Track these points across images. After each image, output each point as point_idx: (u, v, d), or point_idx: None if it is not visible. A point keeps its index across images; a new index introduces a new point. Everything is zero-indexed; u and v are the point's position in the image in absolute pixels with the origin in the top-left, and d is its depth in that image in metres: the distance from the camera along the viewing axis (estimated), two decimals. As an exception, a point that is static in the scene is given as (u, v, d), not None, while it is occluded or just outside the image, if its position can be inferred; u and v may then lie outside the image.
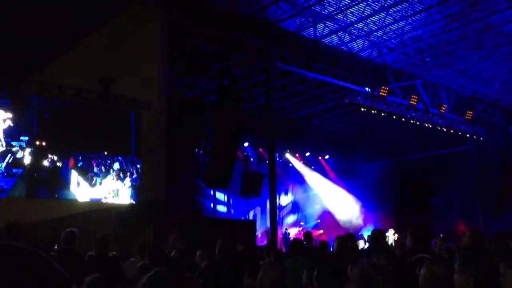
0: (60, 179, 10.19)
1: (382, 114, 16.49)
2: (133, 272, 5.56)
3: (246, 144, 19.45)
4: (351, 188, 22.88)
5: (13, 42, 8.95)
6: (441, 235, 17.44)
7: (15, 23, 8.95)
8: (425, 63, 15.45)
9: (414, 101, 15.89)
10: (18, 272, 0.73)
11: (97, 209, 10.26)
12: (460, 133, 18.86)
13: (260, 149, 19.60)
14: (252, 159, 19.93)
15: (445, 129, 18.31)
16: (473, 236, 4.99)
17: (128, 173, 11.11)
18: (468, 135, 19.16)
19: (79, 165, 10.51)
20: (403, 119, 17.07)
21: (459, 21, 12.75)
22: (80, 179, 10.45)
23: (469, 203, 19.74)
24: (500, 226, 17.89)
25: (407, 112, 16.87)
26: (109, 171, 10.90)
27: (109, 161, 10.96)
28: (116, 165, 10.98)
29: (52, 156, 10.11)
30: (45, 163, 10.03)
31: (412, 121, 17.28)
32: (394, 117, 16.89)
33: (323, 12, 12.36)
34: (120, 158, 11.07)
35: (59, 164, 10.22)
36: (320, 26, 13.04)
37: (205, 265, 5.28)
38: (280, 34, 12.92)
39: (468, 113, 17.81)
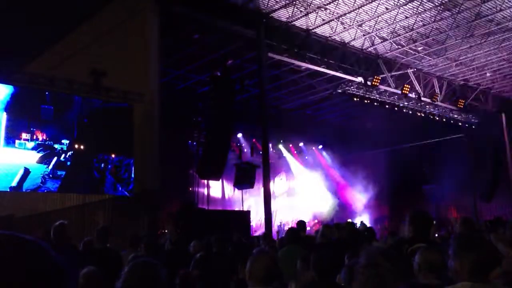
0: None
1: (375, 103, 16.54)
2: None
3: (239, 135, 19.43)
4: (345, 177, 22.97)
5: (3, 33, 8.83)
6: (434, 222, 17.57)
7: (4, 12, 8.83)
8: (417, 52, 15.46)
9: (407, 91, 15.92)
10: (13, 260, 0.72)
11: (91, 201, 10.22)
12: (452, 122, 18.96)
13: (254, 140, 19.59)
14: (246, 150, 19.92)
15: (437, 118, 18.41)
16: (465, 222, 5.04)
17: None
18: (460, 124, 19.27)
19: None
20: (396, 108, 17.13)
21: (450, 9, 12.75)
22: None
23: (461, 190, 19.89)
24: (492, 212, 18.14)
25: (400, 102, 16.93)
26: None
27: None
28: None
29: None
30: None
31: (404, 110, 17.35)
32: (387, 106, 16.94)
33: (315, 1, 12.31)
34: None
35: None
36: (312, 16, 12.99)
37: (200, 256, 5.30)
38: (272, 24, 12.86)
39: (460, 102, 17.90)
